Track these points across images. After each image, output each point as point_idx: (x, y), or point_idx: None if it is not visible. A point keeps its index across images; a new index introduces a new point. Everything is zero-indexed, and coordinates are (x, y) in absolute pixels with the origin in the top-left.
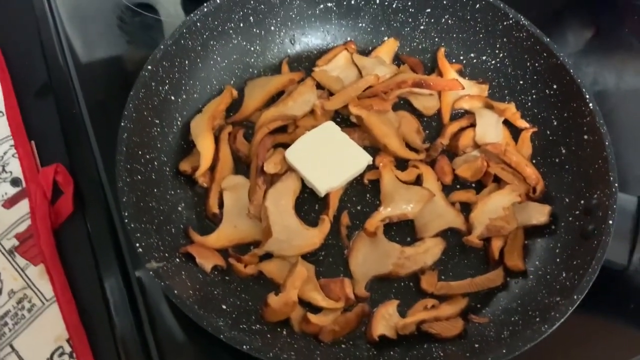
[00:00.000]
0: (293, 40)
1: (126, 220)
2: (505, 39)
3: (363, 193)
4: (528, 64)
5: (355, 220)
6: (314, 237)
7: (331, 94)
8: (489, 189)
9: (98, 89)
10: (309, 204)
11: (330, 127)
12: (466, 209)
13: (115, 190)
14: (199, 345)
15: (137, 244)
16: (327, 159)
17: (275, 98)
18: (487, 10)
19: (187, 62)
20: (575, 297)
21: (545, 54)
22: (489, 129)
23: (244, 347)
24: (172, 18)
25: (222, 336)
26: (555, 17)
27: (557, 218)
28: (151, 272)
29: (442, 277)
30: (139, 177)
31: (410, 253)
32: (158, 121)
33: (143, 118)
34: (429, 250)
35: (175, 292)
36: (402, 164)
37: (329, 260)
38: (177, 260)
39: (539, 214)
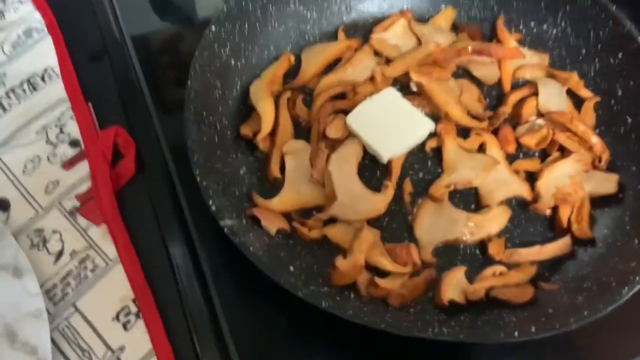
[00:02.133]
0: (349, 8)
1: (198, 179)
2: (567, 7)
3: (425, 160)
4: (592, 32)
5: (417, 187)
6: (378, 202)
7: (389, 61)
8: (553, 158)
9: (151, 54)
10: (370, 170)
11: (391, 93)
12: (530, 178)
13: (175, 153)
14: (262, 305)
15: (210, 202)
16: (389, 125)
17: (332, 65)
18: None
19: (247, 25)
20: None
21: (610, 22)
22: (552, 97)
23: (323, 304)
24: None
25: (300, 293)
26: None
27: (624, 187)
28: (226, 230)
29: (508, 245)
30: (205, 138)
31: (476, 220)
32: (220, 84)
33: (206, 80)
34: (496, 218)
35: (251, 249)
36: (464, 132)
37: (393, 227)
38: (244, 222)
39: (607, 183)
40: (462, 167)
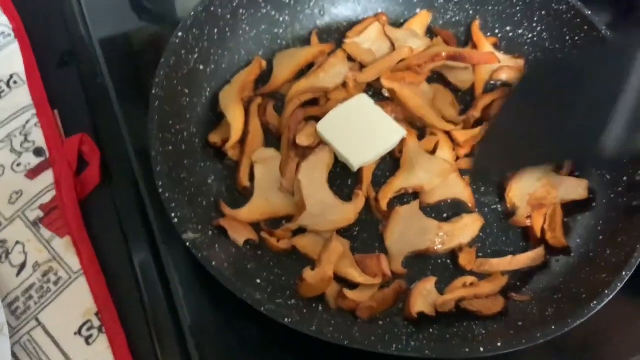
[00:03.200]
0: (322, 11)
1: (160, 190)
2: (543, 12)
3: (396, 167)
4: (567, 37)
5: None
6: (348, 212)
7: (362, 66)
8: None
9: (120, 58)
10: (341, 178)
11: (363, 100)
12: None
13: (142, 161)
14: (228, 317)
15: (173, 214)
16: (360, 132)
17: (305, 70)
18: None
19: (216, 30)
20: (624, 273)
21: (586, 27)
22: None
23: (285, 319)
24: None
25: (262, 309)
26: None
27: (597, 195)
28: (188, 244)
29: (480, 255)
30: (170, 147)
31: (447, 229)
32: (187, 91)
33: (173, 87)
34: (468, 227)
35: (213, 263)
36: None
37: (364, 236)
38: (210, 233)
39: (577, 188)
40: (418, 169)
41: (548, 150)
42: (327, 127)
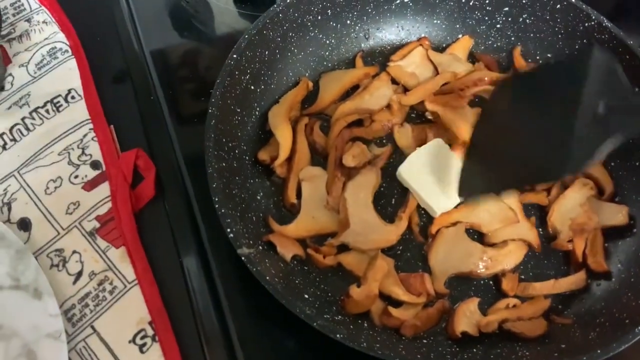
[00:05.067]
0: (367, 35)
1: (217, 206)
2: (585, 40)
3: None
4: None
5: (427, 218)
6: (390, 233)
7: (406, 89)
8: (557, 190)
9: (172, 74)
10: (386, 197)
11: (439, 144)
12: (539, 210)
13: (194, 176)
14: (274, 329)
15: (228, 229)
16: (439, 177)
17: (350, 92)
18: (568, 11)
19: (267, 52)
20: None
21: (627, 56)
22: None
23: (337, 335)
24: (222, 7)
25: (315, 324)
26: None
27: (637, 220)
28: (243, 258)
29: (522, 277)
30: (224, 164)
31: (492, 254)
32: (239, 110)
33: (227, 106)
34: (512, 254)
35: (267, 278)
36: None
37: (407, 255)
38: (260, 248)
39: (616, 214)
40: (482, 208)
41: (525, 172)
42: (408, 171)
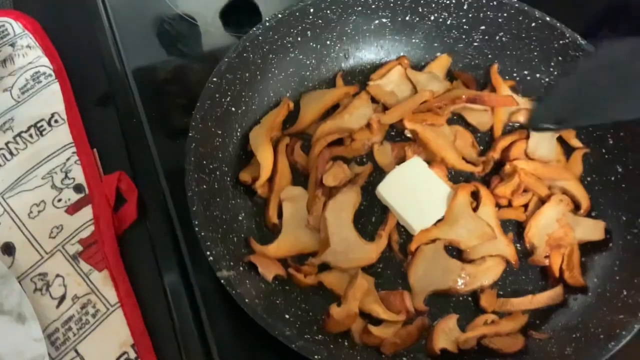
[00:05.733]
0: (347, 55)
1: (197, 229)
2: (560, 57)
3: None
4: None
5: (407, 235)
6: (371, 251)
7: (385, 108)
8: (535, 205)
9: (154, 97)
10: (366, 216)
11: (417, 163)
12: (517, 226)
13: (176, 198)
14: (255, 348)
15: (208, 252)
16: (418, 195)
17: (330, 111)
18: (542, 29)
19: (247, 74)
20: None
21: None
22: (542, 143)
23: (315, 357)
24: (210, 27)
25: (294, 346)
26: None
27: (613, 235)
28: (222, 281)
29: (500, 293)
30: (204, 186)
31: (470, 271)
32: (220, 132)
33: (207, 129)
34: (490, 270)
35: (247, 300)
36: (455, 177)
37: (387, 273)
38: (241, 269)
39: (594, 229)
40: (460, 225)
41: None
42: (387, 190)
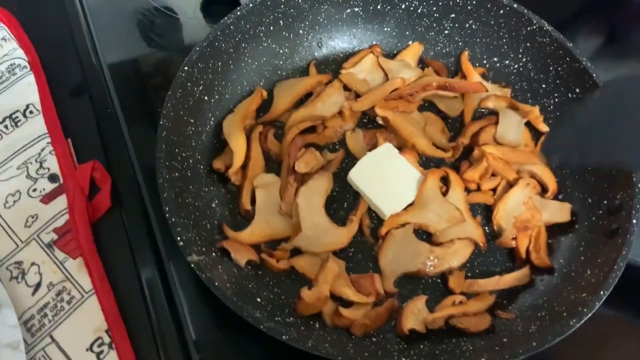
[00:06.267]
0: (320, 44)
1: (167, 215)
2: (528, 44)
3: None
4: (551, 68)
5: (378, 219)
6: (341, 235)
7: (358, 95)
8: (503, 189)
9: (130, 88)
10: (338, 202)
11: (388, 149)
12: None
13: (150, 186)
14: (231, 334)
15: (178, 238)
16: (388, 181)
17: (304, 99)
18: (510, 16)
19: (220, 63)
20: (601, 292)
21: (568, 59)
22: (511, 128)
23: (283, 337)
24: (190, 19)
25: (262, 326)
26: (564, 24)
27: (579, 217)
28: (192, 265)
29: (469, 275)
30: (176, 174)
31: (439, 253)
32: (193, 120)
33: (179, 117)
34: (458, 252)
35: (216, 284)
36: (426, 163)
37: (359, 257)
38: (214, 254)
39: (561, 211)
40: (429, 210)
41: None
42: (358, 176)
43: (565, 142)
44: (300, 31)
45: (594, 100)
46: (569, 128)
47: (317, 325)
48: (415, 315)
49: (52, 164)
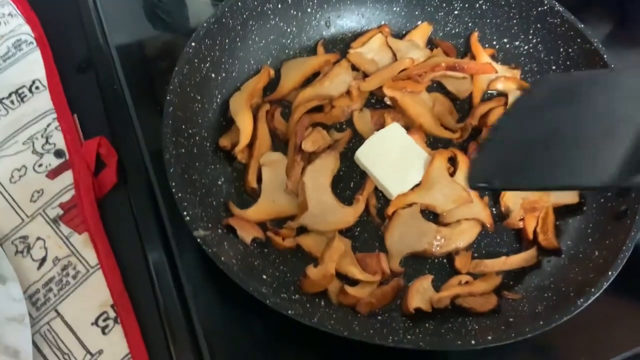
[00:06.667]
0: (328, 23)
1: (173, 190)
2: (539, 25)
3: None
4: (561, 49)
5: (385, 199)
6: (348, 215)
7: (366, 75)
8: None
9: (136, 65)
10: (344, 181)
11: (396, 129)
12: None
13: (156, 163)
14: (236, 311)
15: (185, 213)
16: (395, 161)
17: (311, 79)
18: None
19: (227, 40)
20: (610, 273)
21: (579, 40)
22: None
23: (289, 312)
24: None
25: (267, 301)
26: (574, 7)
27: (587, 199)
28: (199, 240)
29: (475, 255)
30: (183, 150)
31: (445, 233)
32: (199, 97)
33: (186, 93)
34: (465, 232)
35: (222, 259)
36: (434, 144)
37: (365, 236)
38: (219, 231)
39: (568, 193)
40: (436, 190)
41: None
42: (365, 155)
43: (486, 167)
44: (309, 9)
45: (510, 115)
46: (488, 152)
47: (322, 303)
48: (421, 294)
49: (58, 140)
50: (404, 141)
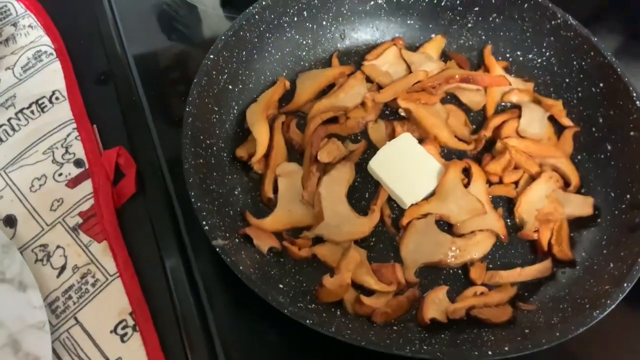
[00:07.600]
0: (343, 35)
1: (193, 200)
2: (552, 38)
3: None
4: (574, 62)
5: (399, 210)
6: (363, 225)
7: (380, 87)
8: (525, 182)
9: (153, 76)
10: (359, 191)
11: (407, 139)
12: (508, 202)
13: (174, 173)
14: (252, 320)
15: (204, 222)
16: (408, 171)
17: (326, 90)
18: (535, 10)
19: (244, 53)
20: (625, 285)
21: (592, 53)
22: (534, 122)
23: (307, 321)
24: (211, 12)
25: (286, 311)
26: (587, 19)
27: (602, 211)
28: (217, 249)
29: (490, 266)
30: (201, 160)
31: (460, 245)
32: (217, 108)
33: (204, 105)
34: (480, 244)
35: (241, 268)
36: (448, 155)
37: (380, 246)
38: (236, 240)
39: (583, 205)
40: (451, 200)
41: None
42: (378, 165)
43: None
44: (324, 22)
45: None
46: None
47: (338, 313)
48: (437, 305)
49: (78, 149)
50: (416, 150)
